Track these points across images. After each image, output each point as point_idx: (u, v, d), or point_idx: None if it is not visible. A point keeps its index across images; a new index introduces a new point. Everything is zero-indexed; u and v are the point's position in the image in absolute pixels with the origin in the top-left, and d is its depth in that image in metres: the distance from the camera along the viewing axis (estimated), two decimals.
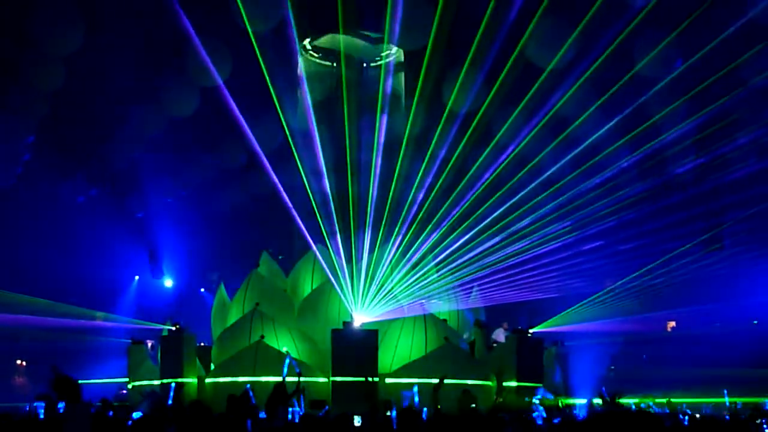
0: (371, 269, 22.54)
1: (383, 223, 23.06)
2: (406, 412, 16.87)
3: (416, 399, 18.38)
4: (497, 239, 23.15)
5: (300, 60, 29.28)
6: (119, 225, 33.99)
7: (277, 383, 17.58)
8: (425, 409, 18.13)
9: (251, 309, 21.57)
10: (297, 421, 15.77)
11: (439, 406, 17.62)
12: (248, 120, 22.74)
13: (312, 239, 23.26)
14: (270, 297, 22.44)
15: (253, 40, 21.25)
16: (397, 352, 21.33)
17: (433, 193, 23.16)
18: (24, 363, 36.07)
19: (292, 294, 23.64)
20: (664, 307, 29.36)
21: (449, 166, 23.04)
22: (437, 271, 23.62)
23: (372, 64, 32.64)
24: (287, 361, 18.32)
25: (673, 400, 22.17)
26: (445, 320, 22.24)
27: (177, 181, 34.68)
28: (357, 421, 15.50)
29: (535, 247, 23.45)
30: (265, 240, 30.71)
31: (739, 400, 21.55)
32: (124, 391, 24.20)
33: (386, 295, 22.39)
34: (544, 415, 17.44)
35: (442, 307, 22.94)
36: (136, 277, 36.31)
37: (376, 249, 22.88)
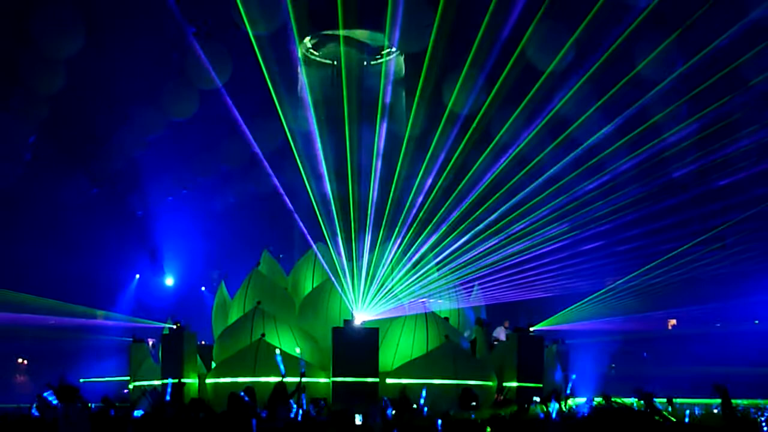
0: (372, 268, 22.55)
1: (384, 222, 23.07)
2: (402, 404, 16.89)
3: (422, 401, 18.38)
4: (498, 239, 23.16)
5: (300, 59, 29.30)
6: (120, 223, 34.06)
7: (278, 383, 17.57)
8: (425, 408, 18.17)
9: (252, 307, 21.58)
10: (300, 420, 15.77)
11: (451, 412, 17.53)
12: (248, 120, 22.80)
13: (312, 238, 23.30)
14: (271, 295, 22.46)
15: (253, 41, 21.29)
16: (398, 350, 21.35)
17: (433, 193, 23.19)
18: (25, 362, 36.12)
19: (292, 292, 23.66)
20: (665, 306, 29.38)
21: (449, 166, 23.07)
22: (438, 270, 23.64)
23: (372, 62, 32.67)
24: (279, 359, 17.93)
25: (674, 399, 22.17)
26: (447, 318, 22.27)
27: (178, 179, 34.72)
28: (358, 419, 15.53)
29: (535, 246, 23.47)
30: (265, 238, 30.75)
31: (743, 402, 21.55)
32: (126, 391, 24.23)
33: (387, 294, 22.41)
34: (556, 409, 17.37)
35: (444, 305, 22.96)
36: (137, 276, 36.35)
37: (377, 247, 22.89)
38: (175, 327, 21.40)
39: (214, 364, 21.95)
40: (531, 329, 22.52)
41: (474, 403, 19.50)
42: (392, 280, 22.71)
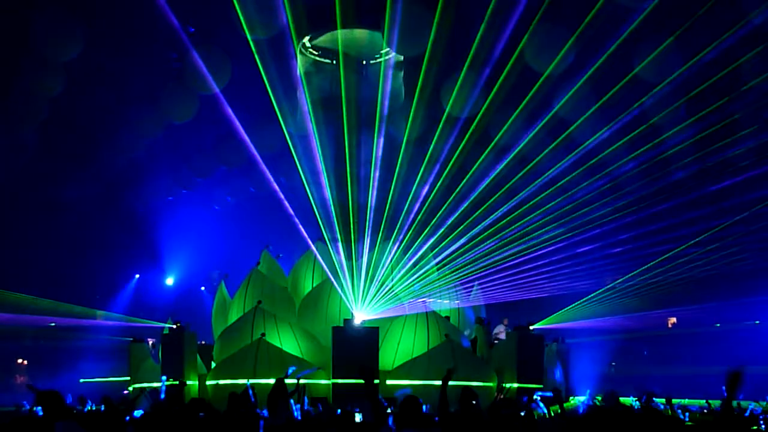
0: (372, 267, 22.57)
1: (383, 222, 23.09)
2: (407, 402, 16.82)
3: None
4: (498, 239, 23.18)
5: (299, 58, 29.28)
6: (120, 223, 34.08)
7: (278, 378, 17.56)
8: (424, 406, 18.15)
9: (252, 307, 21.60)
10: (300, 418, 15.77)
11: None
12: (247, 122, 22.82)
13: (311, 238, 23.30)
14: (271, 295, 22.48)
15: (251, 44, 21.29)
16: (399, 349, 21.36)
17: (433, 193, 23.20)
18: (25, 362, 36.13)
19: (292, 292, 23.68)
20: (665, 305, 29.39)
21: (449, 166, 23.08)
22: (438, 270, 23.65)
23: (371, 62, 32.64)
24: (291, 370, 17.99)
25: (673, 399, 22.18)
26: (447, 317, 22.28)
27: (178, 179, 34.75)
28: (358, 417, 15.52)
29: (535, 246, 23.49)
30: (265, 238, 30.76)
31: (744, 403, 21.56)
32: (126, 392, 24.24)
33: (387, 293, 22.43)
34: (545, 410, 17.41)
35: (444, 305, 22.97)
36: (137, 276, 36.39)
37: (377, 247, 22.91)
38: (175, 327, 21.40)
39: (214, 364, 21.96)
40: (531, 328, 22.52)
41: (474, 402, 19.47)
42: (392, 279, 22.72)
